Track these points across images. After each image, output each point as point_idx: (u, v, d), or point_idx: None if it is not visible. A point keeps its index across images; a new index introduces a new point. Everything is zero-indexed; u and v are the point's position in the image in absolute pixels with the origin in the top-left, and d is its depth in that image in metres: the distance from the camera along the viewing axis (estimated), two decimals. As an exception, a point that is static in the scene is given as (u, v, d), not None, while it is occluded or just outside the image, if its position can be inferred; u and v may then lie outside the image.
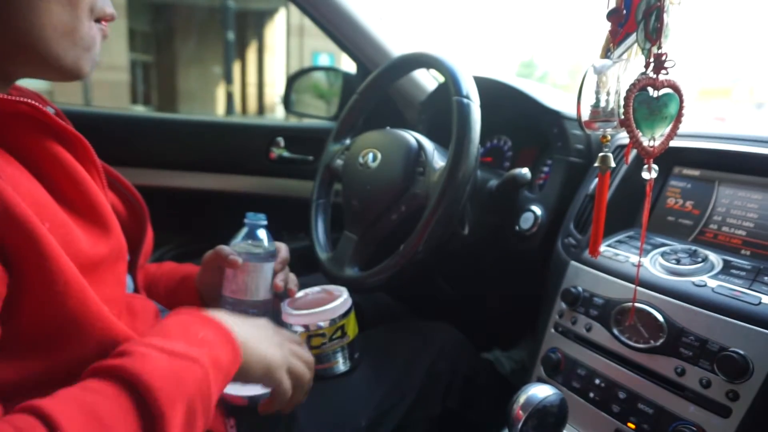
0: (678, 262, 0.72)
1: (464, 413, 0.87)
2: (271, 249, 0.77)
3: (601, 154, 0.55)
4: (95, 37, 0.54)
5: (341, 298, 0.77)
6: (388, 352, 0.86)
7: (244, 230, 0.77)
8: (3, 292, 0.44)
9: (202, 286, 0.80)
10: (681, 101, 0.53)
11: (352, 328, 0.78)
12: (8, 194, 0.43)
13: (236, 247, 0.76)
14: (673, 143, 0.54)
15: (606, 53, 0.55)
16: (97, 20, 0.54)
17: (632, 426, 0.69)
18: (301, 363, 0.63)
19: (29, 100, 0.49)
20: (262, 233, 0.77)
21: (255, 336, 0.58)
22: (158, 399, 0.43)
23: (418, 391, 0.81)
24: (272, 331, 0.63)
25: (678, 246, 0.77)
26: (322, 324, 0.74)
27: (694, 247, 0.75)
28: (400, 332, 0.93)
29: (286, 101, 1.52)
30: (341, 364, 0.77)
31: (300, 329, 0.75)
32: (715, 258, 0.72)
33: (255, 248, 0.76)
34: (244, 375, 0.55)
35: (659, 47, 0.51)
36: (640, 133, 0.52)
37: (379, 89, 1.08)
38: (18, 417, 0.40)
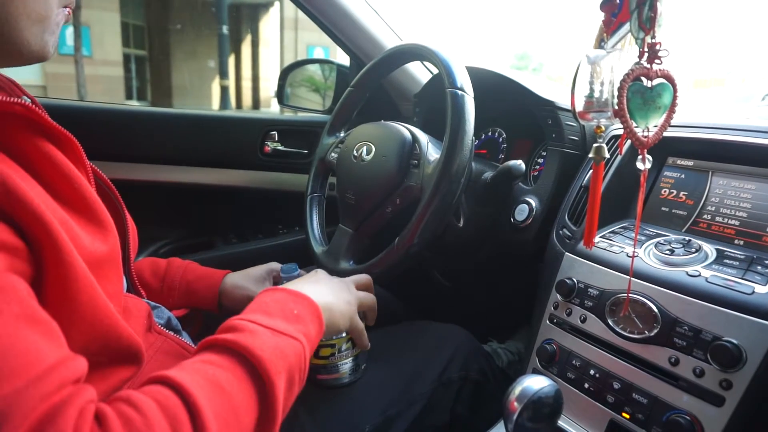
0: (672, 252, 0.72)
1: (472, 418, 0.85)
2: None
3: (595, 145, 0.55)
4: (60, 22, 0.54)
5: None
6: (398, 357, 0.83)
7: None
8: (29, 271, 0.44)
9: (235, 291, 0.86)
10: (675, 91, 0.52)
11: None
12: (24, 189, 0.43)
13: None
14: (666, 133, 0.54)
15: (600, 43, 0.54)
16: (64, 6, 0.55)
17: (627, 416, 0.69)
18: (365, 307, 0.76)
19: (23, 101, 0.49)
20: None
21: (333, 302, 0.67)
22: (268, 370, 0.49)
23: (428, 398, 0.78)
24: (345, 292, 0.72)
25: (672, 236, 0.77)
26: (333, 336, 0.73)
27: (688, 238, 0.75)
28: (410, 335, 0.90)
29: (280, 94, 1.50)
30: (348, 375, 0.76)
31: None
32: (708, 248, 0.72)
33: None
34: (326, 335, 0.65)
35: (653, 37, 0.50)
36: (634, 124, 0.52)
37: (373, 81, 1.07)
38: (154, 389, 0.44)
